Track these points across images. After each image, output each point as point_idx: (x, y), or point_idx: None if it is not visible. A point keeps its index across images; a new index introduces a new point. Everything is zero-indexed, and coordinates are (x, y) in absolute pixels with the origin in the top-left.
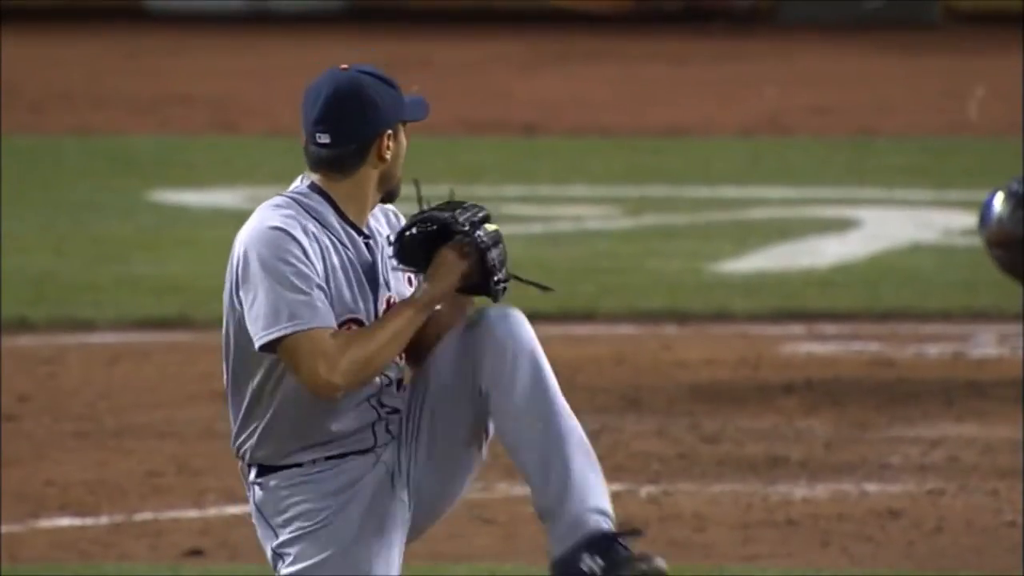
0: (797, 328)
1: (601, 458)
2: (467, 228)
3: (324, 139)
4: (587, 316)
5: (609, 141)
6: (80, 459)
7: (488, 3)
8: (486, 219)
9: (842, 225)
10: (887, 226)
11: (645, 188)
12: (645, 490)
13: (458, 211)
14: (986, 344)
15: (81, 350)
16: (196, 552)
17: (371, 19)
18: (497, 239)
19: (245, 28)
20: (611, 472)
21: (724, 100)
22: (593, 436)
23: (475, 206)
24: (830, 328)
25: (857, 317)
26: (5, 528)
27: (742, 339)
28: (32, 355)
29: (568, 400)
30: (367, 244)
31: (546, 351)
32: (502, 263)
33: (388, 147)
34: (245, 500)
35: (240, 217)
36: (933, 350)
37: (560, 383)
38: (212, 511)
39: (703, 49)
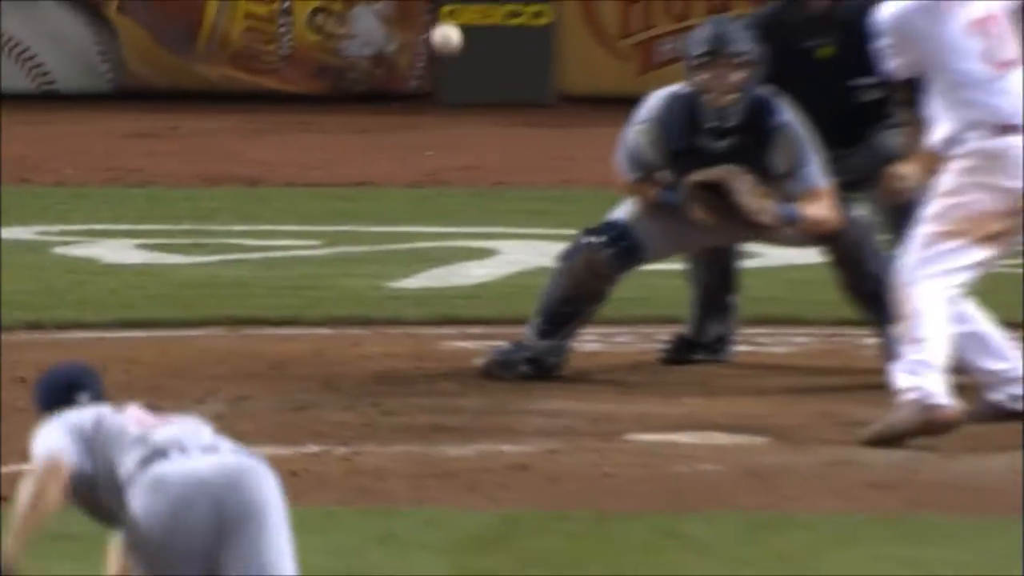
0: (451, 330)
1: (304, 427)
2: None
3: None
4: (294, 322)
5: (313, 191)
6: None
7: (221, 87)
8: None
9: (484, 253)
10: (518, 254)
11: (340, 226)
12: (338, 451)
13: None
14: (591, 341)
15: None
16: None
17: (133, 97)
18: None
19: (38, 107)
20: (312, 437)
21: (399, 160)
22: (298, 411)
23: None
24: (476, 330)
25: (496, 322)
26: None
27: (412, 338)
28: None
29: (280, 386)
30: None
31: (262, 350)
32: None
33: None
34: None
35: (35, 248)
36: None
37: (274, 373)
38: None
39: (383, 122)
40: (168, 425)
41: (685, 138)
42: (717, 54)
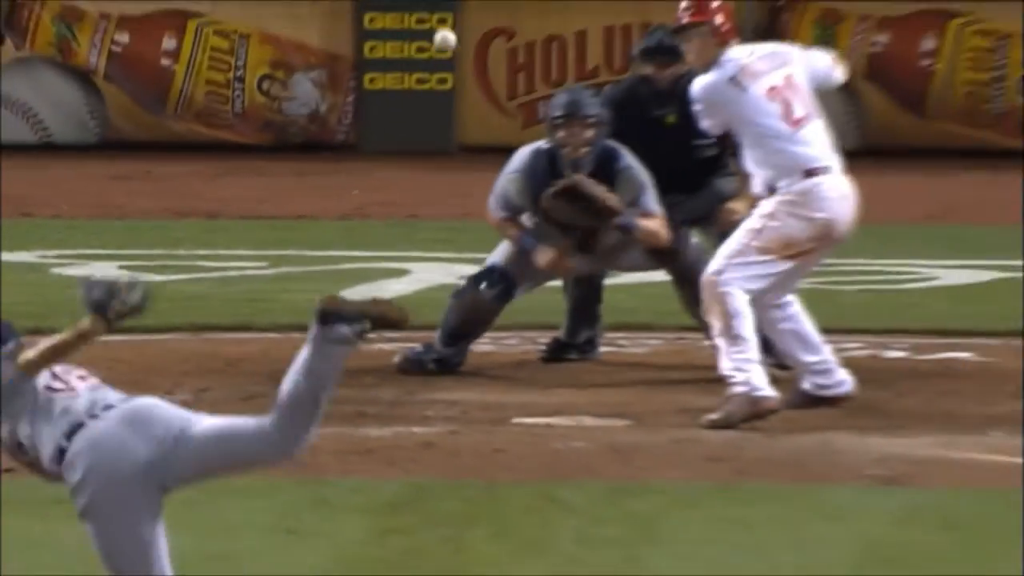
0: (372, 335)
1: (253, 413)
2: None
3: None
4: (245, 328)
5: (261, 223)
6: None
7: (187, 138)
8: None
9: (399, 273)
10: (427, 274)
11: (282, 251)
12: None
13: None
14: (485, 343)
15: None
16: None
17: (115, 147)
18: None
19: (37, 155)
20: None
21: (330, 197)
22: (248, 400)
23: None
24: (393, 335)
25: (409, 328)
26: None
27: None
28: None
29: (233, 380)
30: None
31: (219, 351)
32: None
33: None
34: None
35: (36, 269)
36: None
37: (229, 369)
38: None
39: (317, 167)
40: (78, 397)
41: (546, 185)
42: (572, 116)
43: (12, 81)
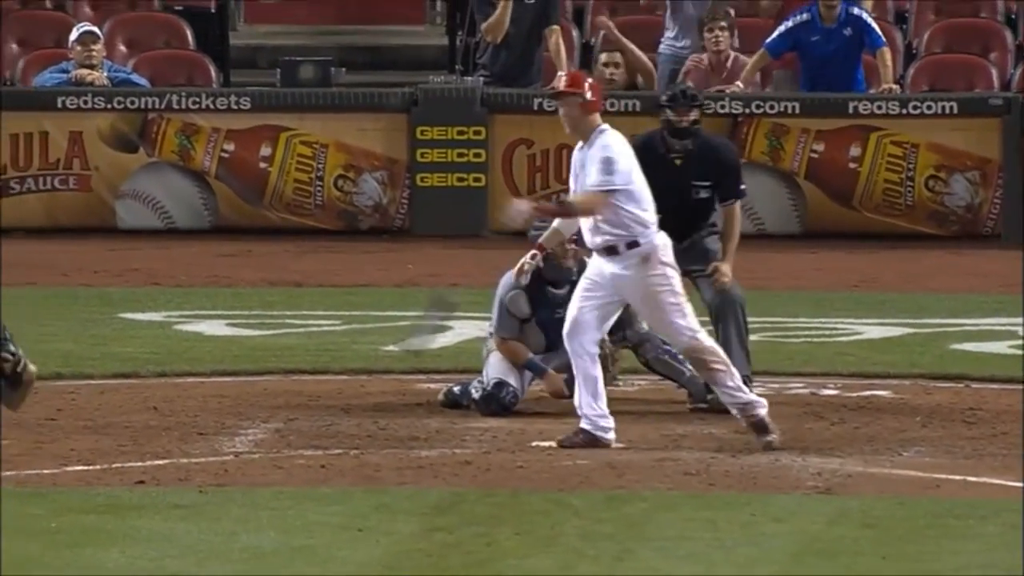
0: (422, 377)
1: (330, 437)
2: None
3: None
4: (324, 371)
5: (335, 290)
6: None
7: (279, 225)
8: None
9: (443, 329)
10: (465, 330)
11: (352, 312)
12: (352, 452)
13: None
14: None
15: None
16: None
17: (224, 231)
18: None
19: (163, 237)
20: (335, 443)
21: (390, 270)
22: (327, 427)
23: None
24: (438, 377)
25: (450, 371)
26: None
27: (398, 382)
28: None
29: (315, 412)
30: None
31: (304, 389)
32: None
33: None
34: None
35: (163, 326)
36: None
37: (312, 403)
38: None
39: (379, 246)
40: None
41: (539, 288)
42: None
43: (144, 180)
